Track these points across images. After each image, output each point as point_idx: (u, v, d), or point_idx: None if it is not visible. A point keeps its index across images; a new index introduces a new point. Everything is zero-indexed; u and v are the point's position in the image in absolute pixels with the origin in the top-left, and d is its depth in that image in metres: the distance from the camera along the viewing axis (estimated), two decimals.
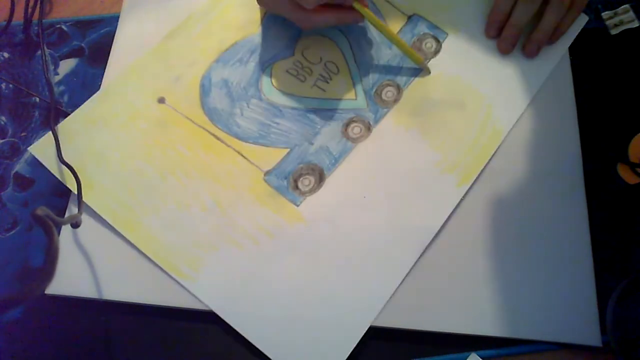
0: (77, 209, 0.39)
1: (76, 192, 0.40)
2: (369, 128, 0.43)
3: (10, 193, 0.43)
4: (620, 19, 0.47)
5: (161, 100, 0.44)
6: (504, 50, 0.44)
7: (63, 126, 0.43)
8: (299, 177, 0.41)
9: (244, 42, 0.46)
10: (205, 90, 0.45)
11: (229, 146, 0.42)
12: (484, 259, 0.38)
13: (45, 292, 0.38)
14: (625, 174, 0.41)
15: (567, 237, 0.39)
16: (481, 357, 0.35)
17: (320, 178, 0.41)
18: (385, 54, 0.45)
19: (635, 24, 0.46)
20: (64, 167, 0.41)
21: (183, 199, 0.40)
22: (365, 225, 0.39)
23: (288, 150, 0.42)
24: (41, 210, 0.30)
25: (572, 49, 0.45)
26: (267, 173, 0.41)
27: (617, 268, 0.38)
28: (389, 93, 0.44)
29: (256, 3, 0.47)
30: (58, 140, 0.42)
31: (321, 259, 0.38)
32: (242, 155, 0.42)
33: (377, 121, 0.43)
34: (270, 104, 0.44)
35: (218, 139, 0.43)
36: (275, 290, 0.38)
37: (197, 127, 0.43)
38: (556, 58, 0.44)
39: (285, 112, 0.44)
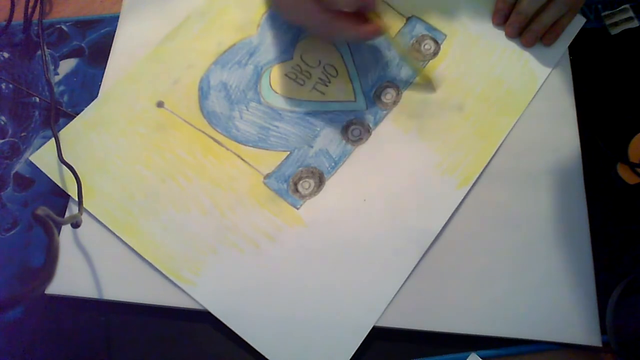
0: (77, 209, 0.39)
1: (76, 198, 0.40)
2: (368, 130, 0.43)
3: (10, 193, 0.43)
4: (620, 19, 0.47)
5: (160, 104, 0.44)
6: (511, 34, 0.45)
7: (63, 133, 0.43)
8: (299, 181, 0.41)
9: (242, 44, 0.46)
10: (203, 93, 0.44)
11: (228, 149, 0.42)
12: (484, 259, 0.38)
13: (45, 292, 0.38)
14: (625, 174, 0.40)
15: (567, 237, 0.39)
16: (481, 357, 0.35)
17: (320, 181, 0.41)
18: (384, 55, 0.45)
19: (635, 24, 0.46)
20: (64, 172, 0.41)
21: (183, 203, 0.40)
22: (365, 227, 0.39)
23: (288, 153, 0.42)
24: (41, 210, 0.30)
25: (572, 49, 0.45)
26: (266, 176, 0.41)
27: (617, 268, 0.38)
28: (388, 95, 0.44)
29: (254, 3, 0.47)
30: (58, 140, 0.42)
31: (322, 262, 0.38)
32: (242, 159, 0.42)
33: (376, 123, 0.43)
34: (270, 108, 0.44)
35: (217, 142, 0.43)
36: (276, 293, 0.37)
37: (196, 131, 0.43)
38: (556, 58, 0.44)
39: (285, 115, 0.44)
